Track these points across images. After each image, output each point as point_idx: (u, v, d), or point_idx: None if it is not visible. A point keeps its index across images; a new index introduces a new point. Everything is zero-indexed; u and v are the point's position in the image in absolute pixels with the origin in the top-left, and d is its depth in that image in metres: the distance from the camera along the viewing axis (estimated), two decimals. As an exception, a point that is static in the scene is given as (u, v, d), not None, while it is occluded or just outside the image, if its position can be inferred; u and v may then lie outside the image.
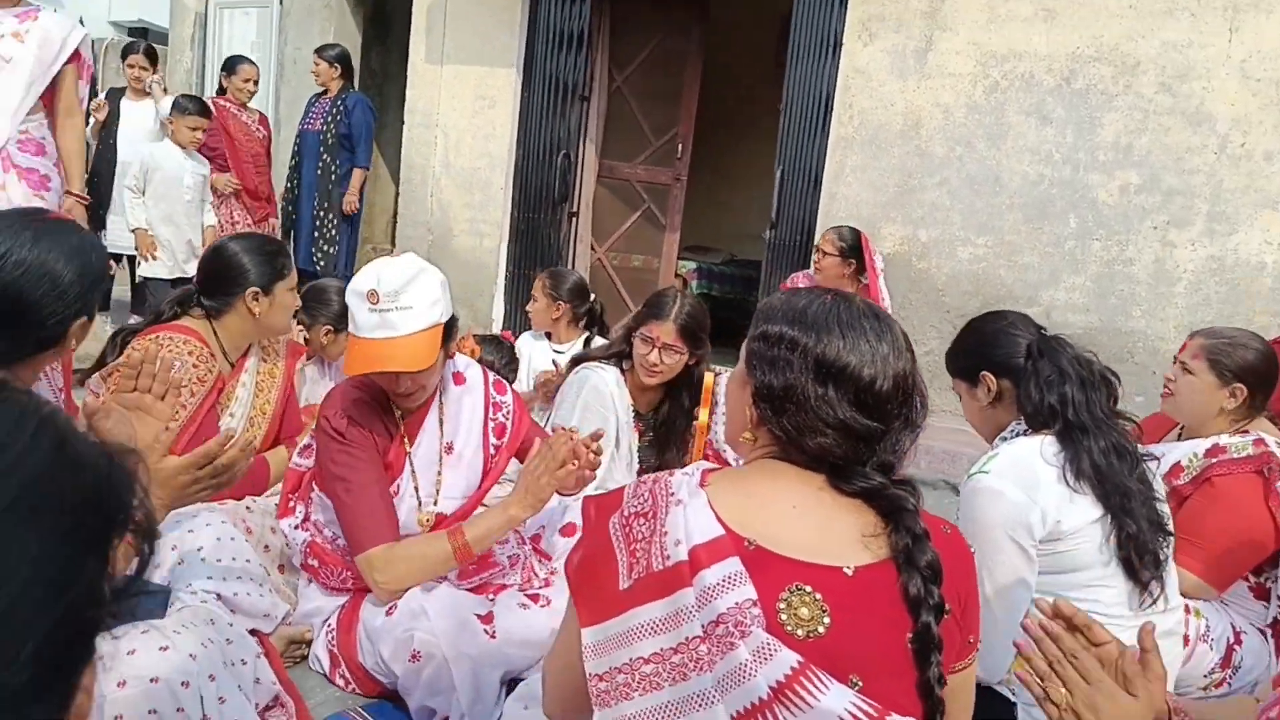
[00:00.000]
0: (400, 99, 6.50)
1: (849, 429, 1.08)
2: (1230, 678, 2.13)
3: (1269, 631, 2.18)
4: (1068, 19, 4.59)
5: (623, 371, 2.49)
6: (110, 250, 5.47)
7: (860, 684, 1.01)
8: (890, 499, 1.08)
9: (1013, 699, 1.79)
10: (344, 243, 5.92)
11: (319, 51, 5.86)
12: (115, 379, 1.55)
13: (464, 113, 6.18)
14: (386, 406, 1.98)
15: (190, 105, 4.88)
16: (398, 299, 1.79)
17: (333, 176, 5.78)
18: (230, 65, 5.56)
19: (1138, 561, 1.74)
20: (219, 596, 1.73)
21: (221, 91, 5.57)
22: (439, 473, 2.01)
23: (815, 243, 4.28)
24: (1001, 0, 4.71)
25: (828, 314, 1.11)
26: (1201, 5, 4.35)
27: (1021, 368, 1.83)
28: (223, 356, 2.32)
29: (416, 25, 6.25)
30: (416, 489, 1.97)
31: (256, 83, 5.58)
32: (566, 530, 2.16)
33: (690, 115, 6.19)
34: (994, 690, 1.81)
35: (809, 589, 1.03)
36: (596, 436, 1.83)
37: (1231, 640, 2.14)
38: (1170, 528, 1.83)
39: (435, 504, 1.98)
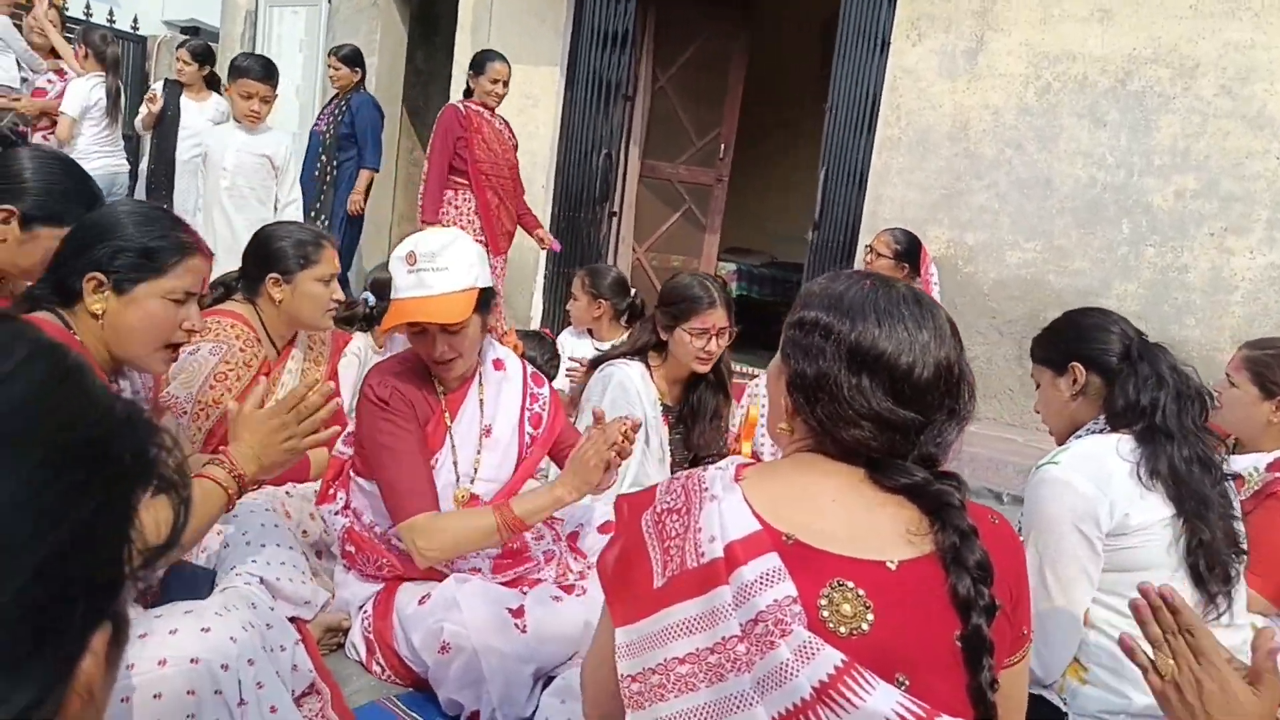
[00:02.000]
0: (445, 98, 6.54)
1: (885, 420, 1.03)
2: (1293, 697, 2.05)
3: (1334, 650, 2.09)
4: (1124, 19, 4.49)
5: (648, 366, 2.47)
6: None
7: (907, 683, 0.97)
8: (934, 495, 1.03)
9: (1064, 708, 1.73)
10: (341, 244, 5.64)
11: (334, 53, 5.54)
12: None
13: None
14: (428, 382, 1.99)
15: (250, 65, 4.06)
16: (434, 260, 1.84)
17: (328, 178, 5.48)
18: (479, 63, 4.75)
19: (1207, 572, 1.68)
20: (262, 580, 1.74)
21: (468, 94, 4.83)
22: (478, 453, 2.01)
23: (867, 243, 4.21)
24: (1055, 0, 4.62)
25: (865, 300, 1.06)
26: (1265, 4, 4.22)
27: (1115, 367, 1.79)
28: (269, 342, 2.33)
29: (462, 24, 6.29)
30: (455, 464, 1.97)
31: (507, 84, 4.80)
32: (605, 528, 2.15)
33: (734, 116, 6.16)
34: (1043, 698, 1.75)
35: (851, 584, 0.99)
36: (635, 427, 1.82)
37: (1295, 659, 2.05)
38: (1244, 546, 1.76)
39: (472, 483, 1.98)
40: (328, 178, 5.49)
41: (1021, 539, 1.85)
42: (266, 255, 2.30)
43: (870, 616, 0.98)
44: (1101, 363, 1.80)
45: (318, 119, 5.63)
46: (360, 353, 3.14)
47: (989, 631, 1.00)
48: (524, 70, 6.10)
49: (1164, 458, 1.67)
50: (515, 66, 6.12)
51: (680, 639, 1.02)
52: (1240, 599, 1.76)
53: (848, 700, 0.95)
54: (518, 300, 6.23)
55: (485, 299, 1.93)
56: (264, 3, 7.30)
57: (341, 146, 5.48)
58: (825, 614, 0.98)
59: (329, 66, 5.54)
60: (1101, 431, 1.78)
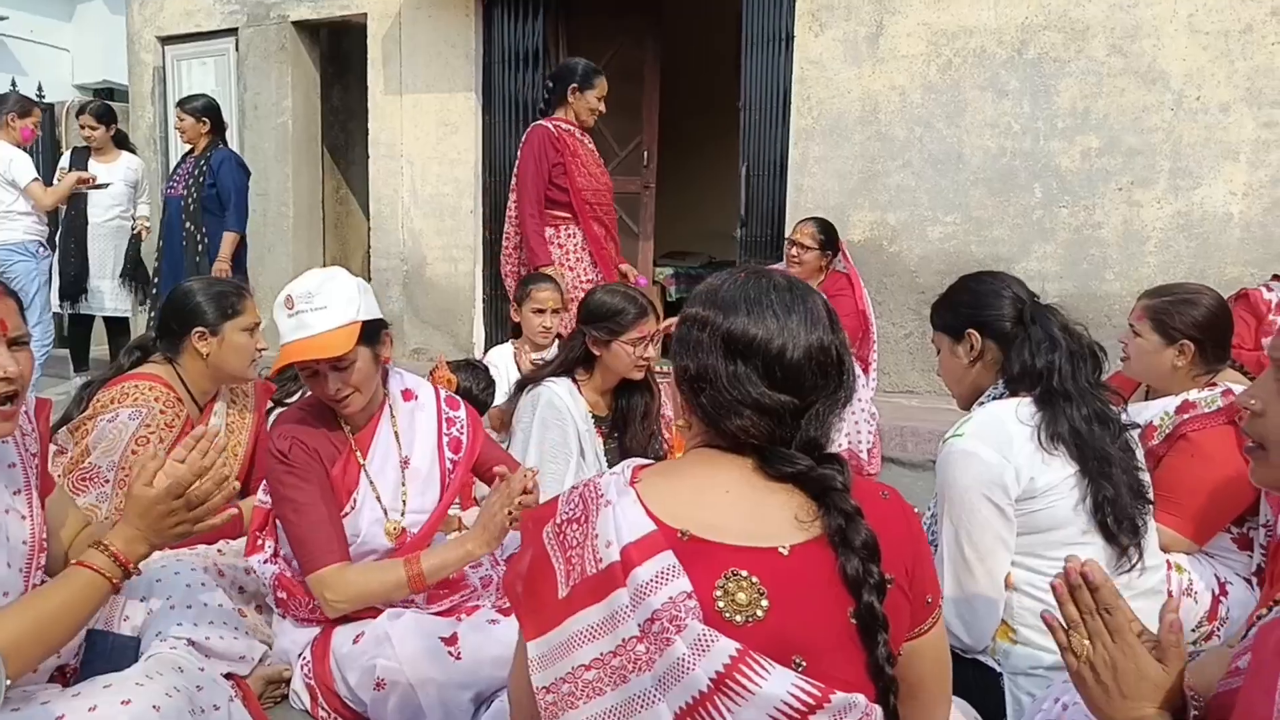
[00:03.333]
0: (364, 134, 6.53)
1: (762, 406, 1.06)
2: (1218, 630, 2.11)
3: (1254, 580, 2.16)
4: (1013, -9, 4.62)
5: (575, 381, 2.49)
6: (90, 313, 5.58)
7: (804, 664, 1.00)
8: (817, 480, 1.06)
9: (998, 669, 1.78)
10: None
11: (182, 105, 5.08)
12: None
13: (427, 141, 6.20)
14: (333, 423, 1.99)
15: None
16: (311, 300, 1.86)
17: (199, 247, 5.04)
18: (585, 75, 4.06)
19: (1115, 527, 1.72)
20: (191, 642, 1.72)
21: (548, 110, 4.12)
22: (402, 485, 2.00)
23: (788, 236, 4.27)
24: (946, -22, 4.74)
25: (736, 291, 1.11)
26: (1143, -36, 4.37)
27: (1009, 332, 1.82)
28: (190, 400, 2.31)
29: (372, 59, 6.28)
30: (379, 498, 1.97)
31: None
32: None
33: (653, 123, 6.21)
34: (980, 661, 1.80)
35: (745, 573, 1.01)
36: (534, 474, 1.85)
37: (1216, 592, 2.12)
38: (1150, 496, 1.81)
39: (402, 516, 1.98)
40: (199, 246, 5.08)
41: (935, 512, 1.91)
42: (188, 311, 2.30)
43: (765, 603, 1.01)
44: (996, 328, 1.83)
45: (171, 182, 5.17)
46: None
47: (881, 608, 1.03)
48: (439, 98, 6.12)
49: (1064, 420, 1.70)
50: (429, 95, 6.15)
51: (585, 646, 1.04)
52: (1151, 543, 1.81)
53: (743, 687, 0.97)
54: (458, 328, 6.22)
55: (372, 331, 1.93)
56: (171, 58, 7.21)
57: (208, 209, 5.05)
58: (721, 605, 1.00)
59: (178, 119, 5.08)
60: (1001, 396, 1.83)
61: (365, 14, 6.29)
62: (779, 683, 0.98)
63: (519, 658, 1.13)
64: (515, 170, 4.13)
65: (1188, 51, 4.33)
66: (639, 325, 2.43)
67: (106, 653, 1.58)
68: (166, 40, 7.18)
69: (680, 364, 1.13)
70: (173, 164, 7.24)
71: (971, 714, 1.54)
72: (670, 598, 1.00)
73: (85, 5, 10.06)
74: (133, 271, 5.64)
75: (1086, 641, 1.11)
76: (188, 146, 5.09)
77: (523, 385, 2.58)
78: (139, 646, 1.65)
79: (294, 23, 6.64)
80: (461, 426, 2.11)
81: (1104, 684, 1.09)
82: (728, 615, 1.00)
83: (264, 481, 2.12)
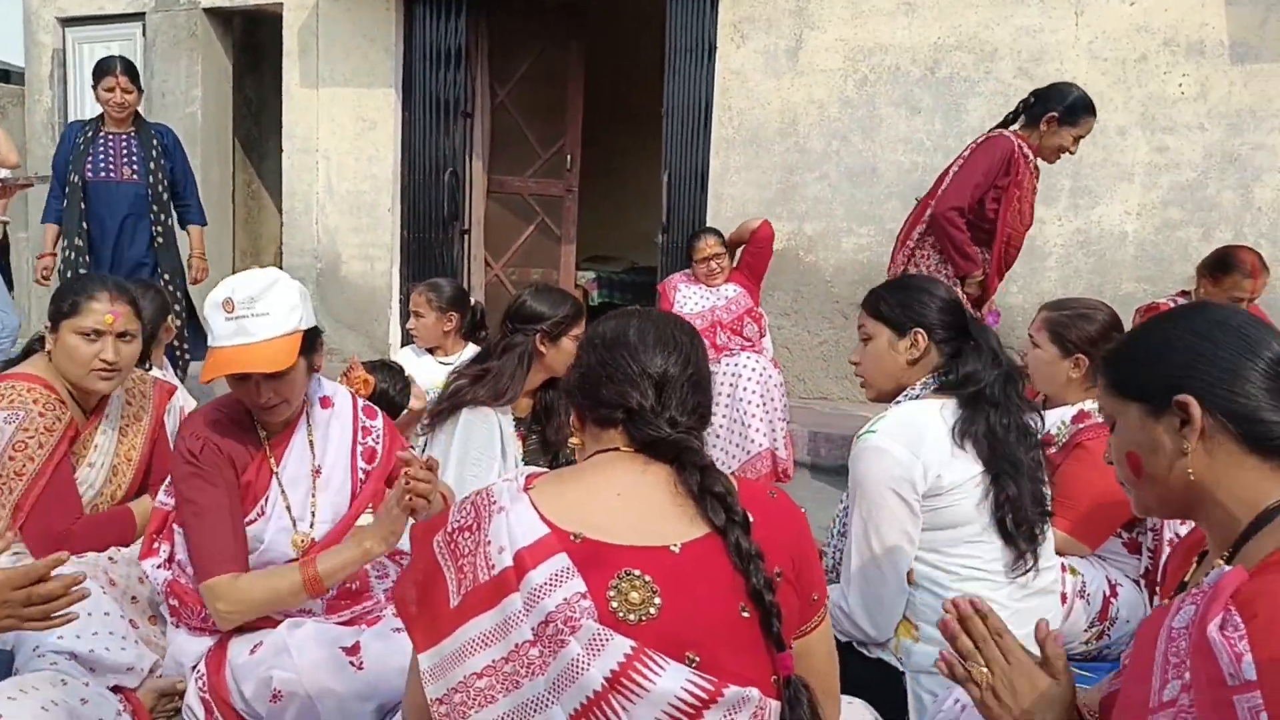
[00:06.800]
0: (278, 127, 6.34)
1: (630, 378, 1.16)
2: (1109, 630, 2.21)
3: (1143, 582, 2.27)
4: (927, 10, 4.76)
5: None
6: None
7: (698, 660, 1.02)
8: (674, 443, 1.12)
9: (900, 668, 1.82)
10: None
11: (119, 72, 4.19)
12: None
13: (344, 136, 6.06)
14: (249, 426, 1.91)
15: None
16: (253, 306, 1.76)
17: (158, 240, 4.43)
18: (1074, 111, 3.42)
19: (1014, 529, 1.78)
20: (74, 655, 1.63)
21: (1016, 117, 3.55)
22: (312, 495, 1.93)
23: (695, 257, 4.37)
24: (864, -4, 4.85)
25: (610, 318, 1.27)
26: (1048, -9, 4.56)
27: (956, 341, 1.86)
28: (74, 402, 2.18)
29: (288, 49, 6.11)
30: (289, 508, 1.89)
31: None
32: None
33: (576, 126, 6.19)
34: (882, 660, 1.84)
35: (638, 572, 1.04)
36: (432, 467, 1.77)
37: (1108, 593, 2.22)
38: (1050, 508, 1.88)
39: (311, 527, 1.90)
40: (158, 240, 4.44)
41: (846, 505, 1.96)
42: (51, 304, 2.15)
43: (658, 600, 1.03)
44: (943, 335, 1.86)
45: (106, 165, 4.31)
46: None
47: (749, 543, 1.07)
48: (357, 93, 5.99)
49: (982, 421, 1.77)
50: (347, 89, 6.01)
51: (477, 653, 1.04)
52: (1046, 547, 1.88)
53: (638, 684, 0.99)
54: (374, 328, 6.09)
55: (310, 340, 1.87)
56: (71, 40, 6.88)
57: (177, 195, 4.48)
58: (615, 605, 1.02)
59: (114, 90, 4.19)
60: (919, 397, 1.87)
61: (281, 3, 6.10)
62: (673, 679, 0.99)
63: (413, 673, 1.12)
64: (957, 167, 3.56)
65: (1088, 76, 4.53)
66: (577, 324, 2.45)
67: (-22, 668, 1.49)
68: (68, 22, 6.85)
69: (568, 378, 1.25)
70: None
71: (872, 713, 1.57)
72: (565, 599, 1.01)
73: (-22, -19, 9.52)
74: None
75: (984, 669, 1.17)
76: (84, 118, 4.49)
77: (452, 401, 2.50)
78: (12, 662, 1.55)
79: (205, 9, 6.41)
80: (377, 436, 2.05)
81: (1006, 705, 1.15)
82: (621, 615, 1.02)
83: (165, 482, 2.02)
